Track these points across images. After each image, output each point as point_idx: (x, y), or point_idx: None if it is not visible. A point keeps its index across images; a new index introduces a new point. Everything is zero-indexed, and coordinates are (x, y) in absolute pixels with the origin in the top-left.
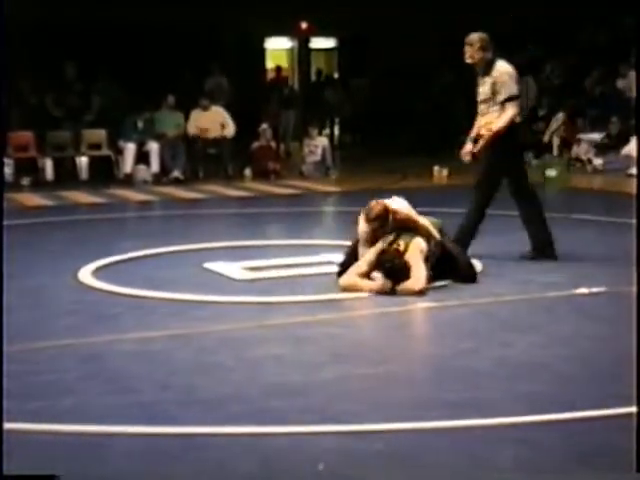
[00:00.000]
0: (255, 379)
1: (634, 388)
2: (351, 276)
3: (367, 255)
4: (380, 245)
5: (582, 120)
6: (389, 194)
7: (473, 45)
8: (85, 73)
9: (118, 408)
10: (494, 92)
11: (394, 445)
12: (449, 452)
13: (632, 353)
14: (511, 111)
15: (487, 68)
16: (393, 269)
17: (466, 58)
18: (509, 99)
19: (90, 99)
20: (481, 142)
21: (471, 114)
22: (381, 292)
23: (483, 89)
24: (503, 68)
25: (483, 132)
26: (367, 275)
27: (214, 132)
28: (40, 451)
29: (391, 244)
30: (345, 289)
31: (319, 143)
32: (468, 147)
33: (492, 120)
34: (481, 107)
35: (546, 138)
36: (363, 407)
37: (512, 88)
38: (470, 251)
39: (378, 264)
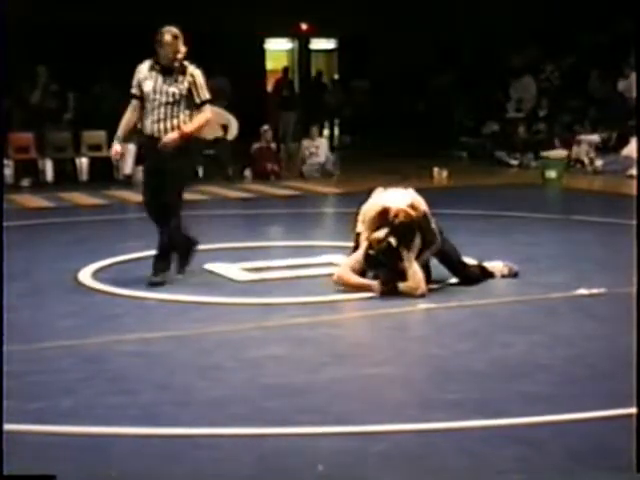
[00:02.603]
0: (255, 380)
1: (634, 388)
2: (346, 271)
3: (362, 250)
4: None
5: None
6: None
7: (179, 38)
8: (88, 75)
9: (118, 409)
10: (191, 93)
11: (395, 446)
12: (449, 452)
13: (632, 354)
14: (209, 114)
15: (183, 67)
16: (377, 260)
17: (170, 53)
18: (208, 101)
19: (66, 99)
20: (173, 139)
21: (470, 115)
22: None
23: (176, 89)
24: (197, 70)
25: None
26: (360, 272)
27: (213, 133)
28: (40, 452)
29: (384, 239)
30: (338, 282)
31: (320, 144)
32: (116, 148)
33: (183, 124)
34: (167, 108)
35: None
36: (363, 408)
37: (207, 91)
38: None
39: (365, 253)
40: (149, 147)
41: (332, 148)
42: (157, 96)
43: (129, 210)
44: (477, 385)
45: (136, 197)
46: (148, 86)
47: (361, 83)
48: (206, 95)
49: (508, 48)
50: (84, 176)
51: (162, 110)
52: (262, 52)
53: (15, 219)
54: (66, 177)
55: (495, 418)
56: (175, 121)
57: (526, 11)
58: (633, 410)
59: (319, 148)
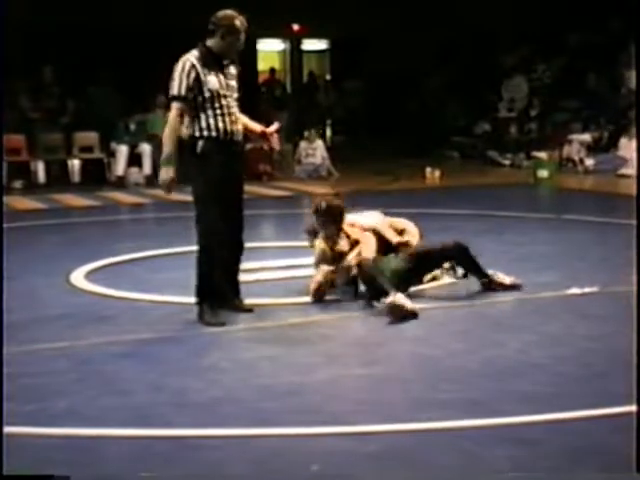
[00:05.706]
0: (249, 381)
1: (634, 388)
2: (322, 284)
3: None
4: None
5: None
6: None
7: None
8: (85, 76)
9: (112, 410)
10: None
11: (389, 446)
12: (443, 452)
13: (626, 352)
14: None
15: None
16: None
17: (241, 44)
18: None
19: (66, 102)
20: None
21: (462, 115)
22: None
23: (236, 83)
24: None
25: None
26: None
27: None
28: (35, 454)
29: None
30: (315, 296)
31: (317, 146)
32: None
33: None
34: (237, 106)
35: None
36: (357, 408)
37: None
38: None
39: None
40: (234, 153)
41: (328, 149)
42: (228, 92)
43: (121, 211)
44: (471, 385)
45: (128, 198)
46: (214, 83)
47: (353, 84)
48: None
49: (500, 48)
50: (76, 177)
51: (235, 109)
52: (254, 53)
53: (7, 221)
54: (58, 179)
55: (489, 418)
56: (242, 116)
57: (518, 11)
58: (631, 408)
59: (316, 150)
